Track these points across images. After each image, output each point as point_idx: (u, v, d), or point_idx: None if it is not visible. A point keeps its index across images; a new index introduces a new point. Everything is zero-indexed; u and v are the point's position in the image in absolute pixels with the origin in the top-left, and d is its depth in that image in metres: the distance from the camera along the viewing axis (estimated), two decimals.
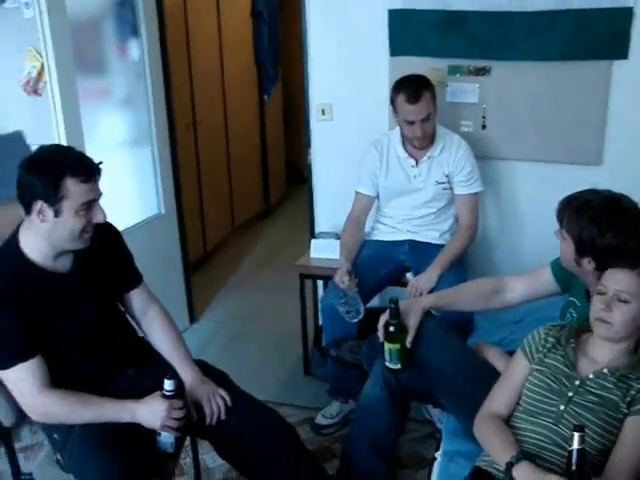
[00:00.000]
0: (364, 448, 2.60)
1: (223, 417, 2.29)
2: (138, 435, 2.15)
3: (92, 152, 2.22)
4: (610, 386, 1.94)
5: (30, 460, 3.01)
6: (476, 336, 2.87)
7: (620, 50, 3.19)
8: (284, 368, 3.88)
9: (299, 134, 5.11)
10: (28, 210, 2.06)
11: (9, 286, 2.06)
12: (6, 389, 2.14)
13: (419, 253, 3.31)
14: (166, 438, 2.18)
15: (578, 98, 3.31)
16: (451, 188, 3.28)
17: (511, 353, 2.23)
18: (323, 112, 3.72)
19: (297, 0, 3.73)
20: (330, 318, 3.22)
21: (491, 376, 2.23)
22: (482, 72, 3.42)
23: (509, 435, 2.00)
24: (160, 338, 2.43)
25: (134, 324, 2.49)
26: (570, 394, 1.96)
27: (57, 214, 2.04)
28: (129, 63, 3.84)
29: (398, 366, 2.38)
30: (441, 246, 3.27)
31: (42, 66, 3.23)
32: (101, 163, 2.12)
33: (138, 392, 2.19)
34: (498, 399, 2.12)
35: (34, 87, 3.29)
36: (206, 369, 2.42)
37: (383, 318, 2.38)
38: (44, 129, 3.29)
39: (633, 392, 1.92)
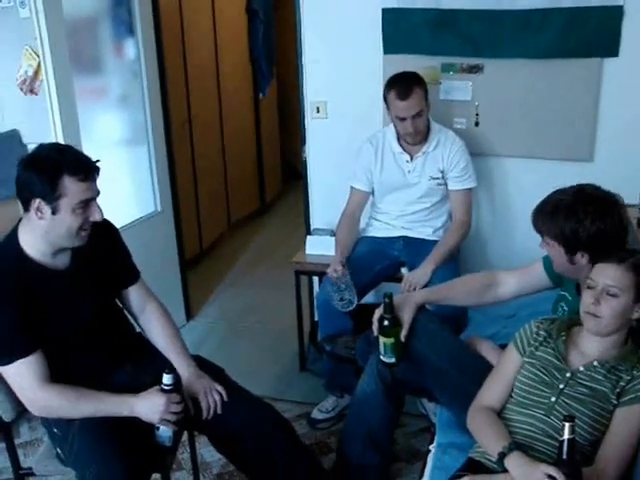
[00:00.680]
0: (359, 442, 2.64)
1: (219, 412, 2.32)
2: (137, 429, 2.18)
3: (89, 150, 2.25)
4: (600, 378, 1.97)
5: (29, 456, 3.04)
6: (470, 330, 2.91)
7: (611, 48, 3.22)
8: (280, 364, 3.91)
9: (294, 132, 5.14)
10: (26, 207, 2.08)
11: (8, 283, 2.08)
12: (6, 384, 2.17)
13: (413, 249, 3.34)
14: (164, 432, 2.20)
15: (569, 95, 3.34)
16: (445, 184, 3.31)
17: (504, 347, 2.26)
18: (318, 110, 3.75)
19: None
20: (325, 313, 3.26)
21: (484, 369, 2.27)
22: (475, 70, 3.45)
23: (501, 427, 2.03)
24: (157, 334, 2.46)
25: (132, 320, 2.52)
26: (561, 386, 2.00)
27: (54, 212, 2.06)
28: (125, 62, 3.86)
29: (392, 360, 2.41)
30: (435, 242, 3.30)
31: (38, 65, 3.26)
32: (98, 161, 2.14)
33: (136, 387, 2.21)
34: (490, 392, 2.16)
35: (30, 86, 3.31)
36: (203, 364, 2.45)
37: (377, 312, 2.41)
38: (41, 128, 3.32)
39: (622, 383, 1.95)
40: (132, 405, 2.16)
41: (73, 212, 2.08)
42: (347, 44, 3.59)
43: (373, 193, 3.44)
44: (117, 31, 3.78)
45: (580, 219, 2.13)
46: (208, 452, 3.07)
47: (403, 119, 3.15)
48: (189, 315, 4.49)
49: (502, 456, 1.89)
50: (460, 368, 2.39)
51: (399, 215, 3.39)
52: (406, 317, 2.42)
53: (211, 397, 2.32)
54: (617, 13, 3.16)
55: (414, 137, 3.22)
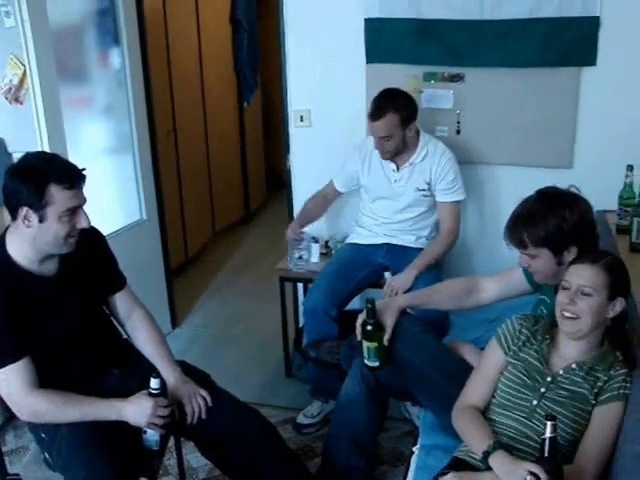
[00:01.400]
0: (344, 445, 2.67)
1: (204, 416, 2.35)
2: (124, 433, 2.21)
3: (75, 159, 2.27)
4: (579, 380, 2.02)
5: (15, 464, 3.04)
6: (452, 334, 2.96)
7: (588, 57, 3.29)
8: (266, 370, 3.93)
9: (278, 141, 5.17)
10: (14, 215, 2.11)
11: None
12: None
13: (396, 255, 3.38)
14: (152, 436, 2.23)
15: (549, 103, 3.40)
16: (432, 195, 3.33)
17: None
18: (301, 118, 3.79)
19: (275, 8, 3.80)
20: (312, 320, 3.29)
21: (466, 372, 2.30)
22: (456, 78, 3.50)
23: (486, 426, 2.07)
24: (144, 340, 2.48)
25: (118, 327, 2.54)
26: (542, 390, 2.04)
27: (42, 220, 2.09)
28: (110, 71, 3.88)
29: (376, 364, 2.45)
30: (418, 249, 3.33)
31: (24, 74, 3.25)
32: (84, 169, 2.17)
33: (123, 392, 2.24)
34: (474, 390, 2.19)
35: (15, 95, 3.31)
36: (188, 370, 2.48)
37: (361, 317, 2.45)
38: (26, 137, 3.31)
39: (600, 384, 2.00)
40: (120, 409, 2.18)
41: (60, 220, 2.10)
42: (330, 53, 3.63)
43: (361, 196, 3.49)
44: (102, 41, 3.79)
45: (559, 214, 2.19)
46: (194, 458, 3.09)
47: (374, 135, 3.21)
48: (174, 323, 4.50)
49: (487, 455, 1.94)
50: (442, 371, 2.43)
51: (384, 222, 3.42)
52: (389, 321, 2.46)
53: (195, 402, 2.35)
54: (594, 23, 3.22)
55: (382, 155, 3.27)
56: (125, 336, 2.55)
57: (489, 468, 1.93)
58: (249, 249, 5.96)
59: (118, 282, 2.50)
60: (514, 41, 3.33)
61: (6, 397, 2.17)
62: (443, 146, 3.33)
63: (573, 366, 2.03)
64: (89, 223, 2.19)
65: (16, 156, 3.30)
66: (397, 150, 3.24)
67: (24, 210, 2.08)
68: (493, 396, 2.15)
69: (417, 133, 3.29)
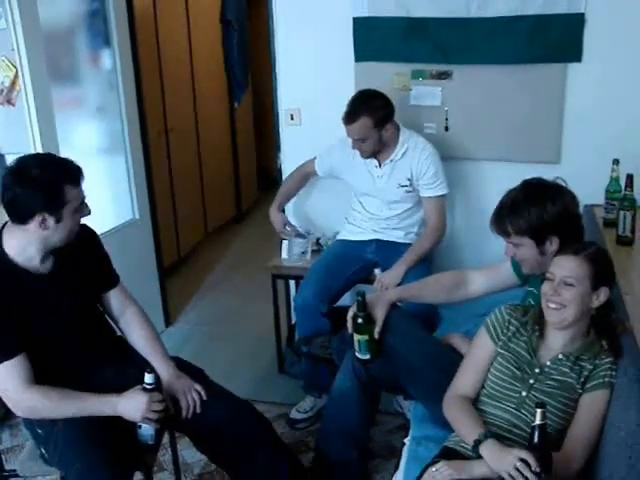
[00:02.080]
0: (337, 438, 2.71)
1: (199, 410, 2.39)
2: (119, 428, 2.24)
3: None
4: (566, 370, 2.06)
5: (10, 462, 3.06)
6: (442, 328, 2.99)
7: (574, 53, 3.33)
8: (259, 367, 3.96)
9: (269, 141, 5.22)
10: (25, 221, 2.13)
11: None
12: None
13: (386, 251, 3.41)
14: (146, 430, 2.27)
15: (536, 99, 3.44)
16: (415, 191, 3.36)
17: None
18: (292, 117, 3.82)
19: (265, 8, 3.84)
20: (303, 316, 3.32)
21: (456, 363, 2.33)
22: (444, 76, 3.53)
23: (476, 416, 2.11)
24: (138, 336, 2.52)
25: (112, 324, 2.57)
26: (531, 381, 2.08)
27: (59, 220, 2.14)
28: (102, 72, 3.90)
29: (367, 356, 2.49)
30: (407, 245, 3.37)
31: (15, 76, 3.27)
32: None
33: (118, 388, 2.27)
34: (465, 380, 2.23)
35: (7, 97, 3.32)
36: (182, 365, 2.52)
37: (351, 311, 2.49)
38: (18, 138, 3.33)
39: (586, 372, 2.04)
40: (114, 404, 2.22)
41: (73, 215, 2.18)
42: (320, 52, 3.67)
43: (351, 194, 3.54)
44: (93, 42, 3.82)
45: (541, 204, 2.24)
46: (189, 453, 3.12)
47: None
48: (167, 321, 4.53)
49: (477, 443, 1.97)
50: (432, 363, 2.47)
51: (372, 218, 3.46)
52: (379, 314, 2.50)
53: (190, 396, 2.39)
54: (579, 20, 3.26)
55: (361, 154, 3.31)
56: (119, 333, 2.58)
57: (480, 457, 1.96)
58: (241, 248, 5.99)
59: (112, 279, 2.53)
60: (500, 38, 3.37)
61: (2, 393, 2.20)
62: (424, 141, 3.35)
63: (560, 356, 2.08)
64: (90, 211, 2.26)
65: (8, 157, 3.32)
66: (374, 150, 3.28)
67: (41, 216, 2.11)
68: (483, 387, 2.19)
69: (397, 130, 3.32)
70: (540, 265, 2.31)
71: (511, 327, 2.18)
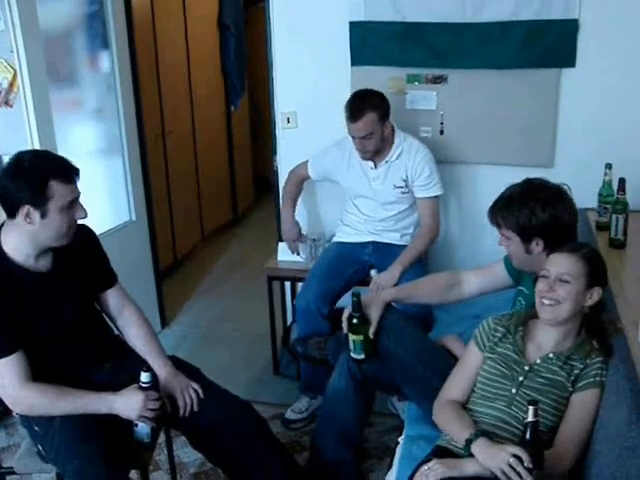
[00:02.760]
0: (331, 438, 2.73)
1: (196, 409, 2.40)
2: (116, 426, 2.26)
3: None
4: (556, 369, 2.09)
5: (6, 462, 3.07)
6: (436, 330, 3.01)
7: (568, 59, 3.37)
8: (254, 368, 3.99)
9: (265, 144, 5.23)
10: (13, 214, 2.15)
11: None
12: None
13: (382, 253, 3.44)
14: (143, 428, 2.28)
15: (530, 104, 3.48)
16: (410, 192, 3.39)
17: None
18: (288, 120, 3.84)
19: (262, 12, 3.87)
20: (305, 318, 3.34)
21: (449, 363, 2.37)
22: (439, 80, 3.57)
23: (466, 417, 2.14)
24: (135, 335, 2.54)
25: (110, 323, 2.59)
26: (520, 379, 2.11)
27: (44, 215, 2.14)
28: (100, 75, 3.92)
29: (362, 356, 2.51)
30: (403, 246, 3.40)
31: (13, 77, 3.28)
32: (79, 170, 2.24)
33: (115, 386, 2.29)
34: (454, 386, 2.26)
35: (5, 98, 3.33)
36: (179, 364, 2.54)
37: (347, 311, 2.51)
38: (16, 140, 3.32)
39: (577, 371, 2.07)
40: (111, 402, 2.23)
41: (61, 213, 2.16)
42: (316, 56, 3.70)
43: (345, 196, 3.56)
44: (92, 44, 3.84)
45: (532, 207, 2.28)
46: (184, 453, 3.15)
47: (353, 137, 3.27)
48: (164, 323, 4.55)
49: (469, 442, 1.99)
50: (426, 363, 2.49)
51: (367, 220, 3.49)
52: (374, 315, 2.52)
53: (187, 395, 2.40)
54: (573, 26, 3.31)
55: (363, 155, 3.33)
56: (116, 332, 2.60)
57: (471, 455, 1.98)
58: (237, 251, 6.01)
59: (110, 279, 2.55)
60: (495, 43, 3.40)
61: (0, 390, 2.21)
62: (418, 143, 3.39)
63: (550, 355, 2.10)
64: (86, 213, 2.25)
65: (5, 158, 3.33)
66: (377, 148, 3.30)
67: (25, 208, 2.12)
68: (473, 390, 2.22)
69: (392, 131, 3.35)
70: (528, 263, 2.36)
71: (497, 334, 2.22)
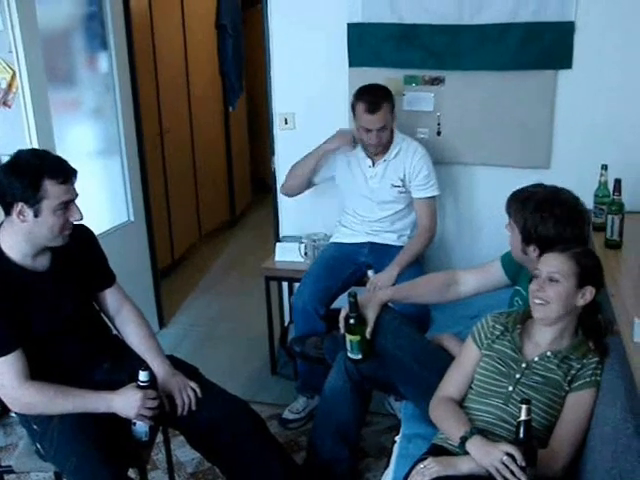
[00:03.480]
0: (328, 437, 2.75)
1: (194, 408, 2.42)
2: (114, 425, 2.27)
3: None
4: (553, 367, 2.10)
5: (4, 461, 3.08)
6: (433, 330, 3.02)
7: (564, 60, 3.39)
8: (252, 368, 4.00)
9: (263, 145, 5.24)
10: (8, 211, 2.17)
11: None
12: None
13: (379, 254, 3.45)
14: (141, 427, 2.29)
15: (526, 106, 3.49)
16: (407, 192, 3.41)
17: None
18: (286, 121, 3.86)
19: (260, 13, 3.89)
20: (302, 317, 3.35)
21: (445, 362, 2.39)
22: (437, 82, 3.58)
23: (462, 414, 2.16)
24: (133, 334, 2.55)
25: (109, 323, 2.60)
26: (517, 376, 2.13)
27: (37, 214, 2.15)
28: (98, 75, 3.93)
29: (359, 356, 2.53)
30: (400, 247, 3.41)
31: (12, 78, 3.29)
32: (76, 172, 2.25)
33: (113, 385, 2.30)
34: (451, 384, 2.28)
35: (3, 99, 3.34)
36: (177, 364, 2.55)
37: (344, 311, 2.52)
38: (14, 140, 3.31)
39: (573, 371, 2.09)
40: (109, 401, 2.25)
41: (54, 213, 2.17)
42: (314, 57, 3.71)
43: (341, 196, 3.56)
44: (91, 45, 3.85)
45: (544, 218, 2.28)
46: (182, 452, 3.16)
47: (369, 130, 3.27)
48: (161, 323, 4.55)
49: (464, 440, 2.02)
50: (423, 362, 2.51)
51: (364, 220, 3.50)
52: (371, 315, 2.54)
53: (186, 394, 2.42)
54: (569, 28, 3.32)
55: (376, 148, 3.34)
56: (114, 331, 2.61)
57: (467, 454, 2.00)
58: (235, 251, 6.02)
59: (108, 279, 2.56)
60: (492, 45, 3.42)
61: None
62: (416, 143, 3.42)
63: (548, 354, 2.12)
64: (82, 216, 2.26)
65: (4, 158, 3.33)
66: (388, 140, 3.34)
67: (19, 205, 2.14)
68: (470, 387, 2.23)
69: (391, 132, 3.38)
70: (522, 259, 2.40)
71: (495, 331, 2.24)
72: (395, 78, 3.59)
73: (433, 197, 3.44)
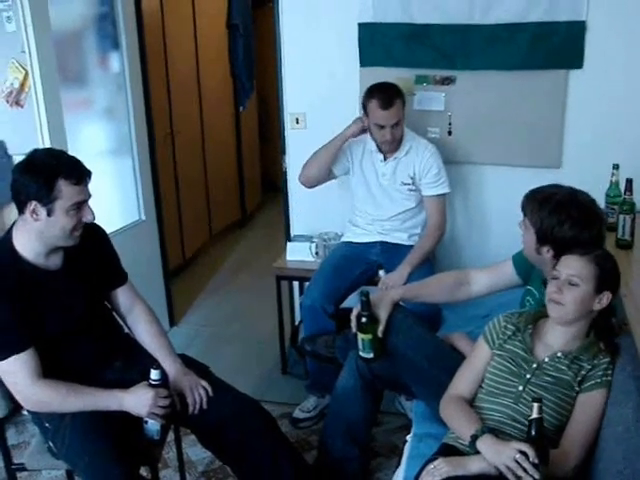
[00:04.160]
0: (339, 435, 2.75)
1: (205, 406, 2.42)
2: (126, 423, 2.28)
3: None
4: (564, 368, 2.10)
5: (16, 459, 3.08)
6: (444, 330, 3.02)
7: (575, 60, 3.39)
8: (262, 367, 4.01)
9: (274, 145, 5.24)
10: (22, 209, 2.18)
11: (4, 282, 2.18)
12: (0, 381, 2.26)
13: (390, 253, 3.46)
14: (152, 425, 2.30)
15: (538, 105, 3.49)
16: (417, 190, 3.42)
17: None
18: (297, 121, 3.87)
19: (270, 13, 3.89)
20: (310, 316, 3.35)
21: (457, 362, 2.38)
22: (447, 81, 3.58)
23: (472, 413, 2.15)
24: (145, 333, 2.56)
25: (120, 322, 2.61)
26: (528, 376, 2.12)
27: (50, 214, 2.17)
28: (110, 75, 3.95)
29: (371, 355, 2.53)
30: (411, 247, 3.42)
31: (24, 78, 3.31)
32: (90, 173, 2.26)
33: (125, 384, 2.31)
34: (461, 383, 2.28)
35: (16, 98, 3.36)
36: (188, 362, 2.56)
37: (356, 310, 2.52)
38: (26, 139, 3.34)
39: (584, 372, 2.08)
40: (121, 399, 2.26)
41: (67, 214, 2.18)
42: (325, 57, 3.72)
43: (352, 194, 3.56)
44: (102, 45, 3.87)
45: (561, 220, 2.26)
46: (193, 451, 3.17)
47: (382, 127, 3.27)
48: (172, 322, 4.57)
49: (474, 438, 2.01)
50: (434, 361, 2.51)
51: (375, 219, 3.51)
52: (383, 314, 2.54)
53: (197, 392, 2.42)
54: (580, 28, 3.32)
55: (390, 144, 3.34)
56: (126, 330, 2.62)
57: (477, 453, 2.00)
58: (245, 250, 6.03)
59: (120, 277, 2.58)
60: (503, 45, 3.42)
61: (11, 387, 2.24)
62: (426, 142, 3.43)
63: (559, 354, 2.12)
64: (94, 217, 2.27)
65: (17, 158, 3.36)
66: (401, 135, 3.35)
67: (32, 204, 2.15)
68: (481, 386, 2.23)
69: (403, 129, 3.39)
70: (535, 259, 2.38)
71: (507, 331, 2.23)
72: (406, 78, 3.59)
73: (443, 195, 3.45)
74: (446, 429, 2.27)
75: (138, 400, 2.25)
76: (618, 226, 2.81)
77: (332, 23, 3.67)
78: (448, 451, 2.14)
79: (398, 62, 3.60)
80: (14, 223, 2.27)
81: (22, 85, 3.35)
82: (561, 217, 2.27)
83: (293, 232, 4.04)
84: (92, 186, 2.29)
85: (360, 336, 2.51)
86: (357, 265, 3.47)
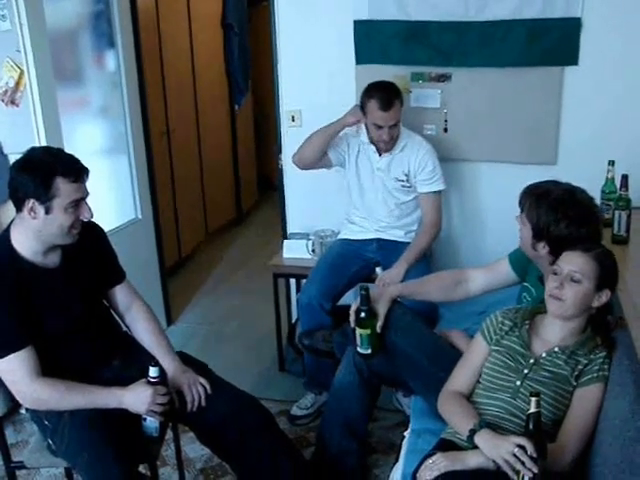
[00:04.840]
0: (337, 431, 2.76)
1: (204, 404, 2.43)
2: (125, 421, 2.28)
3: None
4: (561, 363, 2.11)
5: (15, 457, 3.09)
6: (441, 326, 3.03)
7: (571, 57, 3.39)
8: (260, 365, 4.01)
9: (269, 143, 5.24)
10: (20, 208, 2.18)
11: (1, 281, 2.18)
12: None
13: (387, 250, 3.47)
14: (151, 423, 2.31)
15: (533, 102, 3.50)
16: (411, 186, 3.42)
17: None
18: (293, 119, 3.87)
19: (266, 11, 3.90)
20: (307, 313, 3.36)
21: (454, 358, 2.39)
22: (443, 78, 3.59)
23: (470, 408, 2.16)
24: (143, 331, 2.56)
25: (118, 320, 2.61)
26: (525, 371, 2.13)
27: (48, 211, 2.17)
28: (106, 73, 3.95)
29: (369, 351, 2.53)
30: (407, 244, 3.43)
31: (20, 77, 3.31)
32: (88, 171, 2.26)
33: (123, 381, 2.31)
34: (459, 378, 2.29)
35: (11, 97, 3.36)
36: (186, 360, 2.56)
37: (354, 305, 2.53)
38: (22, 138, 3.34)
39: (580, 367, 2.09)
40: (120, 397, 2.26)
41: (65, 211, 2.19)
42: (321, 55, 3.72)
43: (349, 190, 3.56)
44: (98, 43, 3.87)
45: (558, 218, 2.27)
46: (191, 449, 3.18)
47: (380, 127, 3.28)
48: (169, 321, 4.57)
49: (472, 433, 2.02)
50: (432, 357, 2.52)
51: (371, 216, 3.51)
52: (382, 309, 2.55)
53: (195, 390, 2.43)
54: (576, 25, 3.33)
55: (387, 144, 3.35)
56: (124, 328, 2.62)
57: (475, 447, 2.01)
58: (242, 248, 6.03)
59: (118, 275, 2.58)
60: (499, 42, 3.42)
61: (10, 385, 2.24)
62: (421, 139, 3.44)
63: (556, 349, 2.13)
64: (92, 214, 2.27)
65: (12, 157, 3.36)
66: (398, 134, 3.35)
67: (30, 202, 2.15)
68: (479, 382, 2.24)
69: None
70: (531, 254, 2.39)
71: (504, 327, 2.24)
72: (402, 75, 3.60)
73: (439, 192, 3.45)
74: (444, 424, 2.28)
75: (137, 397, 2.26)
76: (614, 222, 2.82)
77: (328, 21, 3.68)
78: (446, 446, 2.15)
79: (394, 59, 3.61)
80: (12, 221, 2.27)
81: (17, 84, 3.34)
82: (557, 215, 2.27)
83: (289, 230, 4.05)
84: (88, 185, 2.29)
85: (358, 331, 2.51)
86: (354, 262, 3.48)
